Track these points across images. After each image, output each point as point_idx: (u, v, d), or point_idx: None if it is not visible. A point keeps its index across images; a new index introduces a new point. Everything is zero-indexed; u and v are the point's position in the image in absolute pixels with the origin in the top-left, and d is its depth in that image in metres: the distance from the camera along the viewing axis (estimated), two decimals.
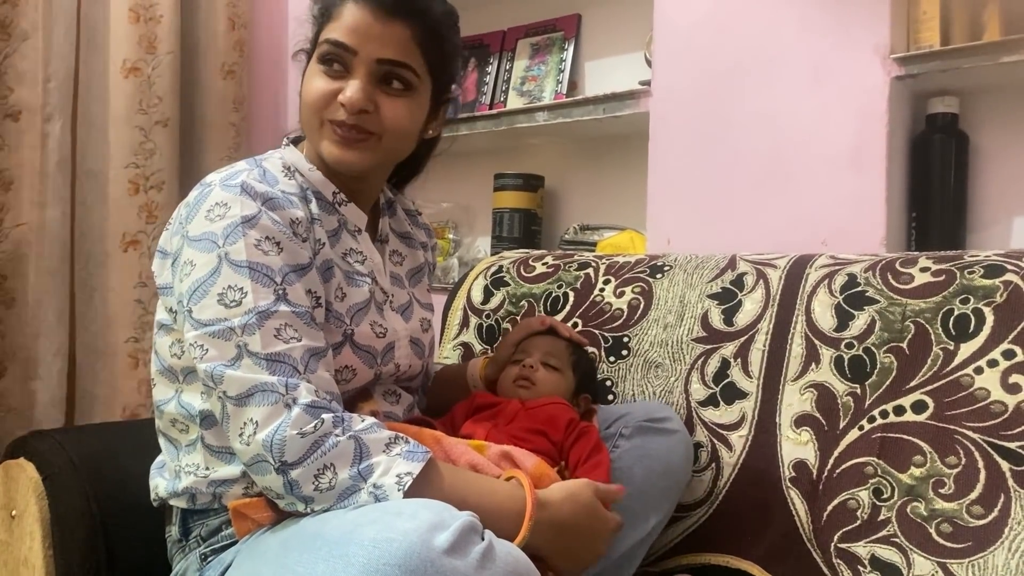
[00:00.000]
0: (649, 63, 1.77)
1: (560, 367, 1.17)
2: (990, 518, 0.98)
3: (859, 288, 1.17)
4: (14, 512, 1.08)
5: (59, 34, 1.80)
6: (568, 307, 1.42)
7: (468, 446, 0.98)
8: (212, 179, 0.95)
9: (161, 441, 1.04)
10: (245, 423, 0.83)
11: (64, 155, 1.84)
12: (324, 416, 0.84)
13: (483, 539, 0.72)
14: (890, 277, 1.16)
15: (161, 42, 1.99)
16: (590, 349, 1.33)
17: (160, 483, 1.01)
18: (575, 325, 1.40)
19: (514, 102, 2.06)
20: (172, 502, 0.99)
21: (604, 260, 1.48)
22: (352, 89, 0.95)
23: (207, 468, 0.96)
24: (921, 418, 1.06)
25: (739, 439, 1.18)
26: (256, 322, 0.86)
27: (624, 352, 1.33)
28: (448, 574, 0.67)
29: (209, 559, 0.96)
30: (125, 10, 1.93)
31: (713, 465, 1.19)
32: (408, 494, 0.79)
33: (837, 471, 1.09)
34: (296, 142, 1.07)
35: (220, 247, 0.88)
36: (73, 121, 1.89)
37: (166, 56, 2.00)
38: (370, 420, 0.87)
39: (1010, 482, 0.98)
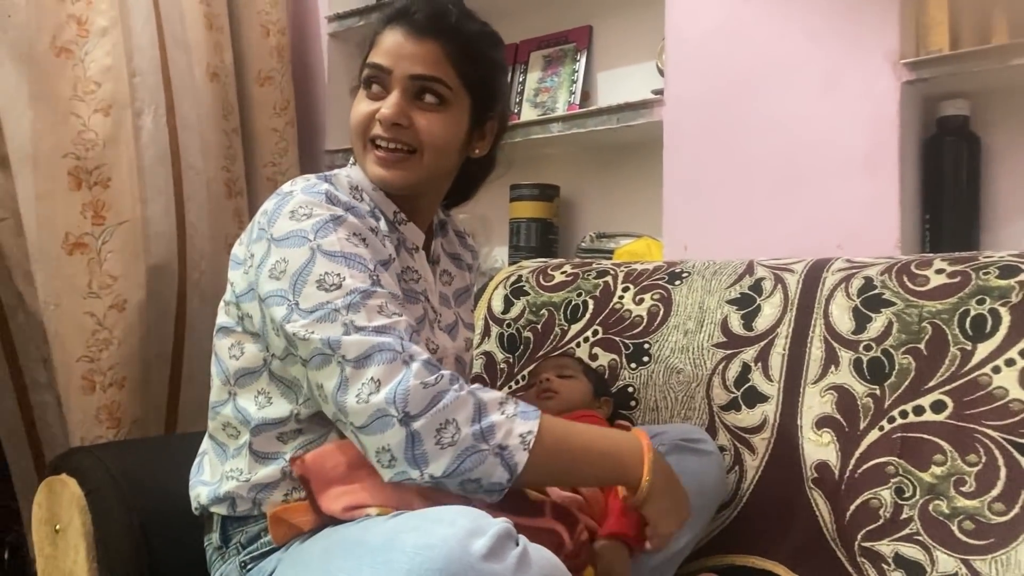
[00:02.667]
0: (661, 72, 1.80)
1: (575, 375, 1.21)
2: (1012, 514, 1.00)
3: (876, 291, 1.19)
4: (58, 527, 1.11)
5: (138, 28, 1.73)
6: (588, 315, 1.45)
7: None
8: (290, 188, 0.99)
9: (208, 444, 1.07)
10: (364, 383, 0.86)
11: (161, 151, 1.75)
12: (444, 372, 0.88)
13: (518, 544, 0.74)
14: (906, 279, 1.18)
15: (225, 50, 1.99)
16: (610, 356, 1.36)
17: (202, 491, 1.03)
18: (595, 333, 1.42)
19: (528, 114, 2.09)
20: (213, 509, 1.02)
21: (622, 268, 1.50)
22: (387, 105, 1.01)
23: (249, 472, 0.99)
24: (940, 418, 1.08)
25: (761, 442, 1.20)
26: (360, 300, 0.89)
27: (645, 359, 1.36)
28: None
29: (249, 567, 0.98)
30: (200, 15, 1.91)
31: (736, 468, 1.21)
32: (532, 451, 0.85)
33: (859, 471, 1.11)
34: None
35: (311, 240, 0.92)
36: (170, 117, 1.80)
37: (231, 64, 2.00)
38: (478, 384, 0.91)
39: None
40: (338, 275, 0.90)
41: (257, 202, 2.05)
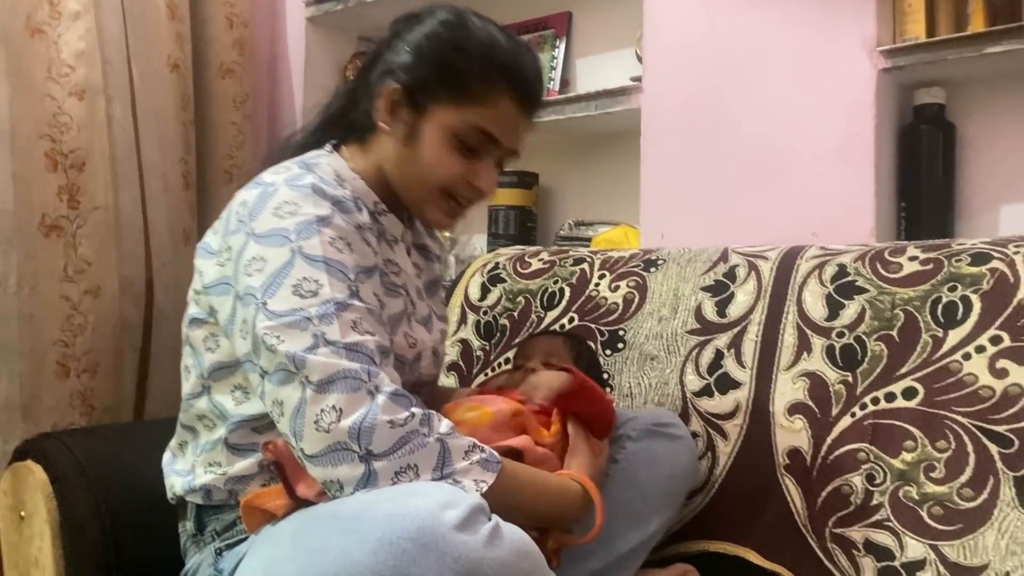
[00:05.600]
0: (640, 59, 1.79)
1: (562, 364, 1.19)
2: (980, 500, 1.01)
3: (849, 278, 1.19)
4: (23, 513, 1.10)
5: (107, 15, 1.71)
6: (564, 302, 1.44)
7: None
8: (273, 179, 0.95)
9: (182, 434, 1.05)
10: (324, 410, 0.82)
11: (128, 140, 1.75)
12: (414, 411, 0.84)
13: (490, 519, 0.74)
14: (879, 267, 1.18)
15: (186, 41, 1.96)
16: (588, 344, 1.35)
17: (176, 481, 1.02)
18: (571, 320, 1.42)
19: None
20: (188, 498, 1.00)
21: (599, 255, 1.50)
22: (490, 179, 1.02)
23: (227, 465, 0.97)
24: (911, 404, 1.08)
25: (734, 428, 1.20)
26: (334, 312, 0.86)
27: (620, 345, 1.35)
28: (458, 548, 0.69)
29: (224, 553, 0.98)
30: (163, 5, 1.88)
31: (709, 454, 1.21)
32: (483, 495, 0.81)
33: (830, 458, 1.12)
34: (336, 148, 1.08)
35: (293, 241, 0.89)
36: (133, 107, 1.79)
37: (191, 55, 1.97)
38: (448, 423, 0.87)
39: (999, 464, 1.00)
40: (316, 281, 0.87)
41: (210, 196, 2.04)
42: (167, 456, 1.07)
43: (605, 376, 1.34)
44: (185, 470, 1.02)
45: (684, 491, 1.17)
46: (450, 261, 2.16)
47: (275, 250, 0.89)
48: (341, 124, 1.08)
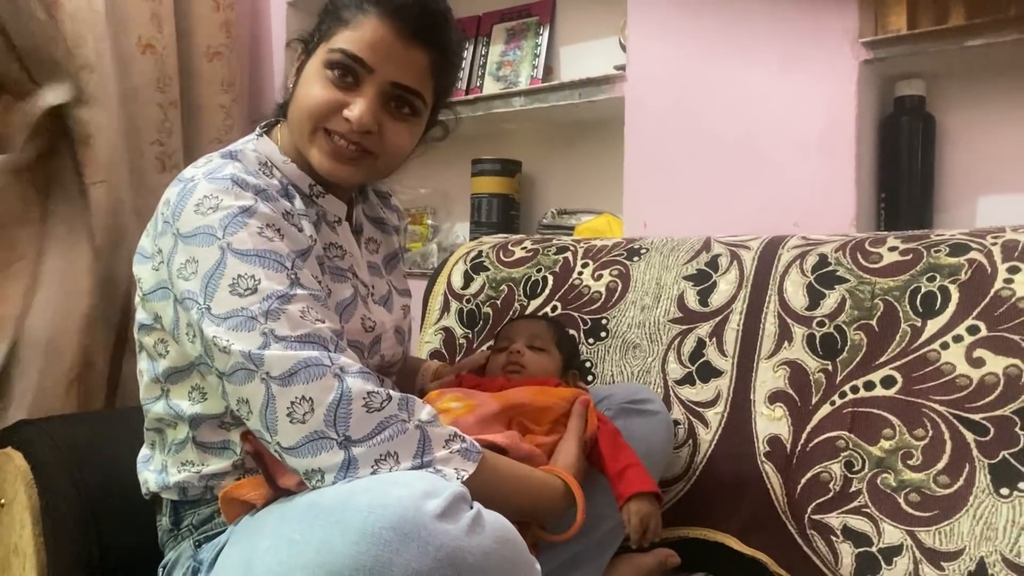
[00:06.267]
0: (624, 48, 1.79)
1: (546, 347, 1.19)
2: (956, 487, 1.02)
3: (830, 268, 1.21)
4: (3, 501, 1.09)
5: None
6: (547, 291, 1.45)
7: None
8: (191, 174, 0.92)
9: (150, 436, 1.04)
10: (294, 401, 0.80)
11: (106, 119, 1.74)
12: (391, 393, 0.83)
13: (471, 507, 0.74)
14: (860, 256, 1.20)
15: (165, 22, 1.93)
16: (569, 331, 1.36)
17: (149, 477, 1.01)
18: (555, 308, 1.42)
19: (490, 87, 2.07)
20: (164, 495, 1.00)
21: (582, 244, 1.50)
22: (360, 108, 0.93)
23: (200, 464, 0.96)
24: (890, 393, 1.10)
25: (715, 416, 1.21)
26: (279, 306, 0.83)
27: (603, 334, 1.36)
28: (440, 537, 0.69)
29: (203, 545, 0.97)
30: None
31: (690, 442, 1.22)
32: (463, 484, 0.80)
33: (810, 445, 1.13)
34: (267, 129, 1.05)
35: (220, 239, 0.85)
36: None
37: (170, 37, 1.94)
38: (430, 410, 0.86)
39: (975, 452, 1.02)
40: (252, 277, 0.84)
41: None
42: (142, 454, 1.06)
43: (588, 364, 1.35)
44: (157, 469, 1.01)
45: (661, 466, 1.17)
46: (432, 249, 2.15)
47: (204, 250, 0.85)
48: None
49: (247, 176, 0.91)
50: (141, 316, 0.99)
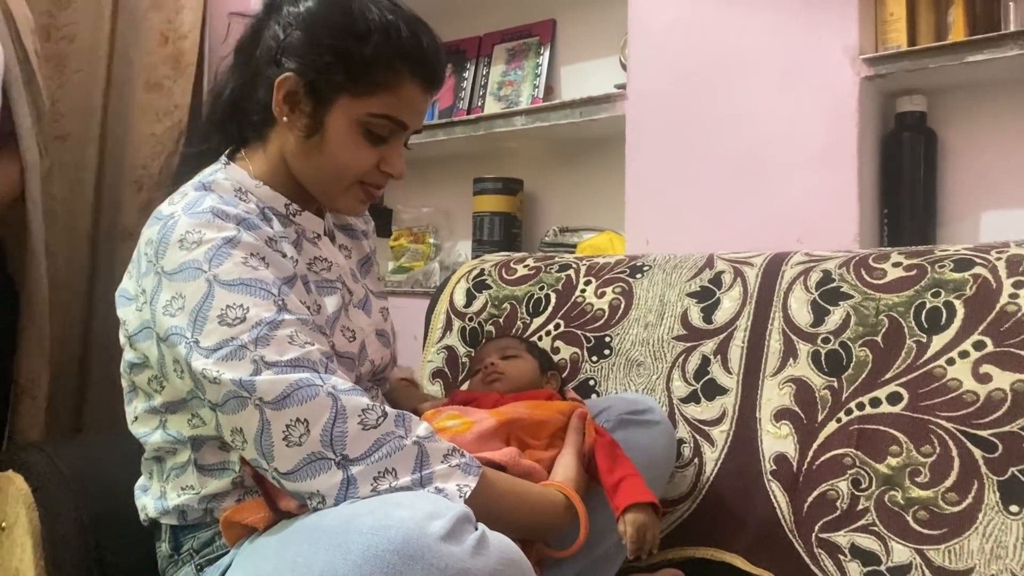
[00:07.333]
0: (624, 67, 1.80)
1: (518, 354, 1.21)
2: (964, 504, 1.01)
3: (834, 284, 1.20)
4: (4, 524, 1.08)
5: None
6: (550, 308, 1.44)
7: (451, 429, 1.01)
8: (171, 210, 0.92)
9: (148, 466, 1.02)
10: (289, 424, 0.80)
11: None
12: (387, 410, 0.83)
13: (476, 528, 0.73)
14: (864, 273, 1.19)
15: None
16: (572, 350, 1.36)
17: (148, 503, 1.00)
18: (557, 326, 1.42)
19: (491, 107, 2.08)
20: (163, 520, 0.99)
21: (585, 261, 1.50)
22: (400, 164, 1.00)
23: (200, 487, 0.96)
24: (896, 409, 1.09)
25: (720, 434, 1.20)
26: (268, 332, 0.83)
27: (606, 352, 1.35)
28: (444, 559, 0.68)
29: (205, 569, 0.96)
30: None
31: (696, 460, 1.21)
32: (467, 501, 0.80)
33: (816, 463, 1.12)
34: (233, 155, 1.04)
35: (207, 271, 0.85)
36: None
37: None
38: (426, 426, 0.86)
39: (983, 469, 1.01)
40: (241, 306, 0.84)
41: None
42: (139, 483, 1.05)
43: (591, 383, 1.34)
44: (156, 495, 1.00)
45: (664, 477, 1.17)
46: (434, 267, 2.15)
47: (191, 284, 0.85)
48: (235, 118, 1.03)
49: (226, 207, 0.91)
50: (130, 356, 0.98)
